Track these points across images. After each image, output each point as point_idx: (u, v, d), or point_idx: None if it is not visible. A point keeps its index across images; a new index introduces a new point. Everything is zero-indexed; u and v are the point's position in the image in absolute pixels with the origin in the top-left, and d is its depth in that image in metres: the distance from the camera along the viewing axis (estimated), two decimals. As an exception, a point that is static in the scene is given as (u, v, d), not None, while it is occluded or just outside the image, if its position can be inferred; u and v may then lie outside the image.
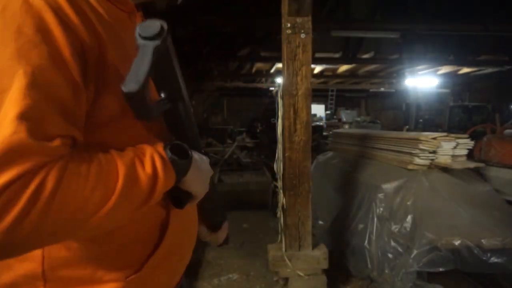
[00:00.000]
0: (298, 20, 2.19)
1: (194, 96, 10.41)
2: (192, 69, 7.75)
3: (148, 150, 0.57)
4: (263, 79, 11.04)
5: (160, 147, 0.59)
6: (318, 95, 14.63)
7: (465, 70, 9.34)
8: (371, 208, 2.61)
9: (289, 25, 2.20)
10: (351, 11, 6.56)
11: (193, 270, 2.96)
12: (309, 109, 2.30)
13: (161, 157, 0.57)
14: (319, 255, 2.38)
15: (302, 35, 2.20)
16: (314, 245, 2.45)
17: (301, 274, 2.36)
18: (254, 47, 7.44)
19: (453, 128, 8.54)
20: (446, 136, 2.67)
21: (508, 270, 2.15)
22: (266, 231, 3.79)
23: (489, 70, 8.97)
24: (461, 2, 5.85)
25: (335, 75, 9.94)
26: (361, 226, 2.66)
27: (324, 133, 9.68)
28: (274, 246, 2.51)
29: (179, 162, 0.59)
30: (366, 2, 6.72)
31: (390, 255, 2.35)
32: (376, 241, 2.49)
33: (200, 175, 0.68)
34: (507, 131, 4.52)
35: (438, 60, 7.98)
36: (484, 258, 2.13)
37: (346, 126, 11.39)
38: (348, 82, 11.19)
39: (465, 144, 2.68)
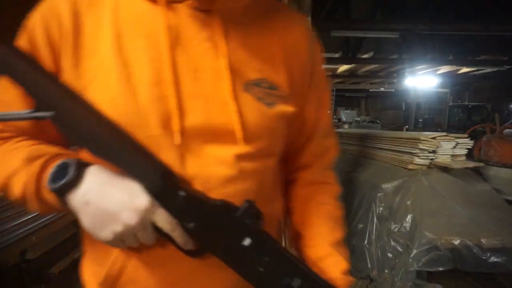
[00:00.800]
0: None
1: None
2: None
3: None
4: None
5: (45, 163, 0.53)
6: (318, 95, 14.57)
7: (465, 70, 9.34)
8: (371, 207, 2.62)
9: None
10: (351, 11, 6.56)
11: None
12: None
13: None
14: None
15: (302, 35, 2.20)
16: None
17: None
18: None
19: (452, 127, 8.55)
20: (446, 135, 2.67)
21: (508, 269, 2.16)
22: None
23: (489, 70, 8.97)
24: (461, 2, 5.86)
25: (335, 75, 9.93)
26: (360, 225, 2.66)
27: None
28: (274, 246, 2.51)
29: (55, 179, 0.51)
30: (366, 2, 6.72)
31: (389, 255, 2.36)
32: (376, 240, 2.50)
33: (97, 202, 0.51)
34: (507, 130, 4.52)
35: (438, 60, 7.97)
36: (483, 257, 2.13)
37: (346, 126, 11.39)
38: (348, 82, 11.18)
39: (464, 143, 2.69)
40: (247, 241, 0.52)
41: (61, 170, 0.51)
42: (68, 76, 0.55)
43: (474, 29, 5.59)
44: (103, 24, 0.56)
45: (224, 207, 0.52)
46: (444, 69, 9.29)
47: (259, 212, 0.53)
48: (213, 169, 0.55)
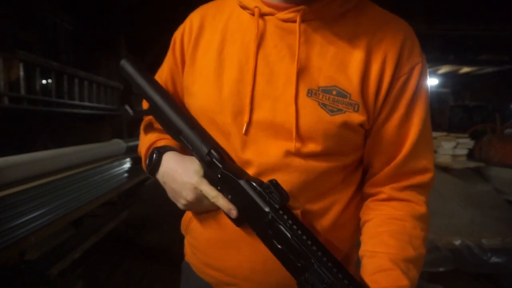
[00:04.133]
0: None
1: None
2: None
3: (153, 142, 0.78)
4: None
5: (158, 143, 0.77)
6: (318, 95, 14.56)
7: (465, 69, 9.33)
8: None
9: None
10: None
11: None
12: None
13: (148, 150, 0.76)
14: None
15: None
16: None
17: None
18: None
19: (453, 127, 8.53)
20: (446, 135, 2.67)
21: (508, 269, 2.15)
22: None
23: (489, 69, 8.96)
24: (461, 2, 5.85)
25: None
26: (361, 226, 2.65)
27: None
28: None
29: (149, 162, 0.73)
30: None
31: (390, 255, 2.35)
32: (376, 241, 2.49)
33: (169, 182, 0.70)
34: (508, 130, 4.51)
35: (438, 60, 7.96)
36: (484, 257, 2.13)
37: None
38: (348, 82, 11.17)
39: (465, 143, 2.68)
40: (268, 217, 0.59)
41: (151, 156, 0.72)
42: (186, 71, 0.73)
43: (474, 29, 5.59)
44: (217, 32, 0.71)
45: (249, 183, 0.61)
46: (445, 68, 9.28)
47: (282, 191, 0.59)
48: (265, 159, 0.64)
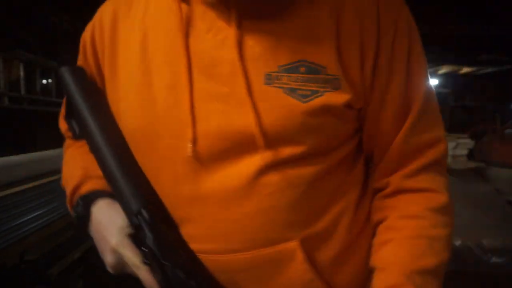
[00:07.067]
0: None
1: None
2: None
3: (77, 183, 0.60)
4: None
5: (86, 185, 0.59)
6: (318, 95, 14.57)
7: (466, 69, 9.32)
8: (371, 208, 2.61)
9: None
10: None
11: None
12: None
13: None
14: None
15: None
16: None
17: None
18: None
19: (453, 128, 8.53)
20: (447, 136, 2.67)
21: (509, 270, 2.15)
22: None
23: (489, 69, 8.95)
24: (461, 2, 5.84)
25: (335, 75, 9.91)
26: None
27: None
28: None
29: (76, 216, 0.59)
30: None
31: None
32: (376, 241, 2.49)
33: (95, 237, 0.56)
34: (508, 131, 4.51)
35: (438, 60, 7.96)
36: (484, 258, 2.12)
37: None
38: (348, 82, 11.17)
39: (465, 144, 2.68)
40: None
41: (76, 208, 0.58)
42: (108, 87, 0.57)
43: (474, 29, 5.58)
44: (135, 28, 0.53)
45: (175, 271, 0.47)
46: (445, 69, 9.28)
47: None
48: (229, 185, 0.47)
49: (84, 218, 0.56)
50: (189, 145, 0.47)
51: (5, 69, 2.85)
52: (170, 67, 0.49)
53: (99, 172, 0.57)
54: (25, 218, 1.86)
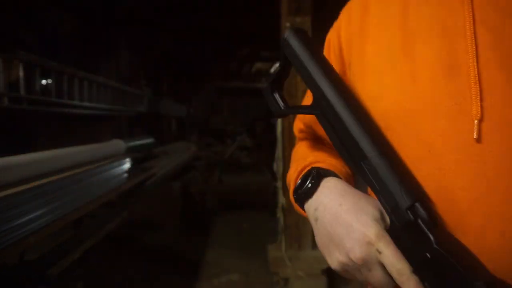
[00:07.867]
0: (298, 19, 2.20)
1: (194, 97, 10.40)
2: (192, 69, 7.75)
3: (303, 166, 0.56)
4: (263, 79, 11.05)
5: (311, 164, 0.54)
6: (318, 95, 14.54)
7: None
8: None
9: (288, 24, 2.20)
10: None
11: (193, 270, 2.96)
12: (309, 109, 2.29)
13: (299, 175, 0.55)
14: (320, 255, 2.37)
15: (302, 35, 2.20)
16: (314, 245, 2.45)
17: (301, 274, 2.35)
18: (254, 47, 7.44)
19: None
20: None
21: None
22: (266, 231, 3.79)
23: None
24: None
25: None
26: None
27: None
28: (274, 247, 2.51)
29: (300, 184, 0.52)
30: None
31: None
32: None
33: (325, 221, 0.45)
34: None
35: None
36: (484, 258, 2.12)
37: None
38: (348, 82, 11.18)
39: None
40: None
41: (305, 177, 0.51)
42: (353, 71, 0.52)
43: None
44: (392, 3, 0.48)
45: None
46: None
47: None
48: None
49: (311, 189, 0.48)
50: (475, 123, 0.37)
51: (4, 70, 2.85)
52: (443, 32, 0.42)
53: (335, 162, 0.54)
54: (25, 218, 1.86)
